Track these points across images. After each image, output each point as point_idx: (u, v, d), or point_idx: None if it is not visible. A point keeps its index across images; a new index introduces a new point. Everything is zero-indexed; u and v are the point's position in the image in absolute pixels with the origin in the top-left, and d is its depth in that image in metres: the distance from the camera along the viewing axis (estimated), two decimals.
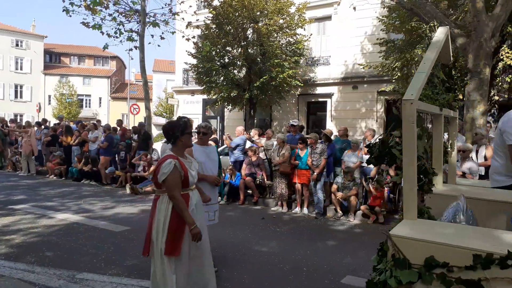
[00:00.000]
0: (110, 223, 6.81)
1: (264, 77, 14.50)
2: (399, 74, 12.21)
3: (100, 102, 45.89)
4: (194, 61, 16.34)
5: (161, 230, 3.16)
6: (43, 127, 14.84)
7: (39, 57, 44.21)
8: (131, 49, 14.16)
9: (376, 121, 16.30)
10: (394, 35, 13.64)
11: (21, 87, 43.09)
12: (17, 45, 43.03)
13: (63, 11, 11.99)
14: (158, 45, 56.20)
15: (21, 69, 43.25)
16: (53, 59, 46.91)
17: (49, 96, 42.87)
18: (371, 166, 8.64)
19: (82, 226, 6.60)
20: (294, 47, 15.64)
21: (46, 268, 4.58)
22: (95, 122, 13.96)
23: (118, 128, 12.90)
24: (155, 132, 29.79)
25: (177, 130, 3.30)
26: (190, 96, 22.34)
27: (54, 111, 39.84)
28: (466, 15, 9.17)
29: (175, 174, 3.16)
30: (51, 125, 16.96)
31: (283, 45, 15.61)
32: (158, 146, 15.17)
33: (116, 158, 12.08)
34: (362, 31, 16.59)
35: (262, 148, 9.95)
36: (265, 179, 9.34)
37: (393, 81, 12.90)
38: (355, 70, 16.55)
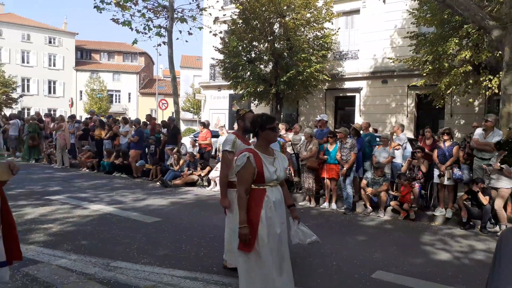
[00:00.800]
0: (142, 214, 6.97)
1: (291, 72, 14.43)
2: (430, 68, 11.90)
3: (129, 98, 46.90)
4: (221, 57, 16.45)
5: (236, 224, 3.09)
6: (74, 121, 15.30)
7: (71, 53, 45.57)
8: (159, 45, 14.35)
9: (407, 116, 15.96)
10: (425, 28, 13.30)
11: (54, 83, 44.56)
12: (50, 42, 44.48)
13: (94, 7, 12.27)
14: (186, 41, 56.68)
15: (54, 65, 44.71)
16: (84, 56, 48.25)
17: (81, 92, 44.16)
18: (399, 161, 8.50)
19: (114, 216, 6.79)
20: (321, 41, 15.48)
21: (82, 255, 4.75)
22: (125, 116, 14.28)
23: (148, 123, 13.15)
24: (182, 127, 30.22)
25: (258, 125, 3.19)
26: (217, 91, 22.50)
27: (85, 106, 41.02)
28: (502, 6, 8.83)
29: (247, 168, 3.02)
30: (83, 119, 17.47)
31: (311, 39, 15.48)
32: (185, 141, 15.41)
33: (146, 152, 12.35)
34: (391, 25, 16.25)
35: (290, 142, 9.92)
36: (293, 174, 9.32)
37: (424, 75, 12.58)
38: (385, 64, 16.23)
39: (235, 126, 4.68)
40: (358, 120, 16.65)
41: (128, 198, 8.48)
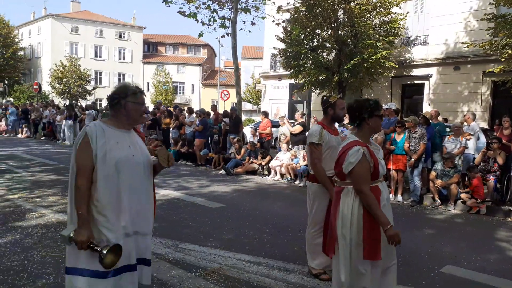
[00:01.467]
0: (207, 200, 7.23)
1: (356, 59, 14.00)
2: (510, 52, 10.93)
3: (192, 89, 48.46)
4: (283, 46, 16.36)
5: (349, 226, 2.70)
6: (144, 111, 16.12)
7: (139, 47, 47.96)
8: (223, 36, 14.60)
9: (481, 105, 14.87)
10: (505, 9, 12.20)
11: (123, 75, 47.23)
12: (120, 36, 47.13)
13: (162, 1, 12.78)
14: (249, 31, 57.06)
15: (123, 58, 47.37)
16: (150, 49, 50.54)
17: (147, 84, 46.38)
18: (472, 152, 7.98)
19: (181, 201, 7.11)
20: (388, 27, 14.84)
21: (154, 237, 5.01)
22: (190, 107, 14.79)
23: (212, 113, 13.52)
24: (243, 117, 30.64)
25: (365, 111, 2.79)
26: (277, 81, 22.50)
27: (152, 98, 43.06)
28: None
29: (364, 164, 2.66)
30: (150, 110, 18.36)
31: (377, 25, 14.89)
32: (246, 130, 15.64)
33: (210, 141, 12.73)
34: (466, 6, 15.13)
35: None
36: None
37: (502, 60, 11.60)
38: (457, 49, 15.20)
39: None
40: (427, 109, 15.80)
41: (194, 185, 8.82)
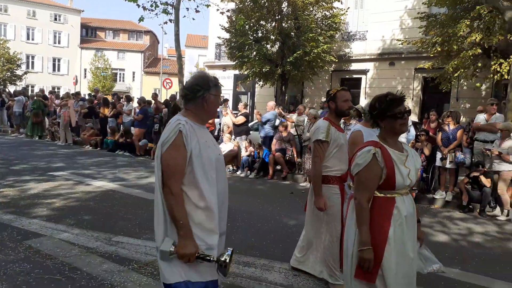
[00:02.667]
0: (144, 192, 7.01)
1: (298, 52, 14.24)
2: (438, 49, 11.68)
3: (133, 77, 46.74)
4: (227, 36, 16.24)
5: (353, 239, 2.32)
6: (79, 99, 15.27)
7: (76, 31, 45.25)
8: (165, 23, 14.15)
9: (412, 99, 15.81)
10: (436, 9, 13.01)
11: (58, 60, 44.41)
12: (55, 19, 44.14)
13: None
14: (193, 18, 56.07)
15: (59, 43, 44.48)
16: (89, 33, 47.91)
17: (85, 70, 44.03)
18: None
19: (117, 193, 6.83)
20: (330, 21, 15.24)
21: (85, 230, 4.79)
22: (129, 95, 14.23)
23: (153, 102, 13.11)
24: None
25: (374, 112, 2.38)
26: (222, 71, 22.32)
27: (89, 84, 40.91)
28: None
29: (372, 168, 2.24)
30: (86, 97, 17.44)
31: (319, 19, 15.23)
32: None
33: (150, 131, 12.33)
34: (402, 5, 15.92)
35: (293, 124, 9.87)
36: (295, 155, 9.31)
37: (432, 56, 12.39)
38: (393, 46, 15.99)
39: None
40: (364, 102, 16.50)
41: (131, 176, 8.52)
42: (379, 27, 16.44)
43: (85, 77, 43.94)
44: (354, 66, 17.31)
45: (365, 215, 2.24)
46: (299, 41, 14.69)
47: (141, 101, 12.68)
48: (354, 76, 17.65)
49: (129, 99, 13.27)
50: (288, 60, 14.58)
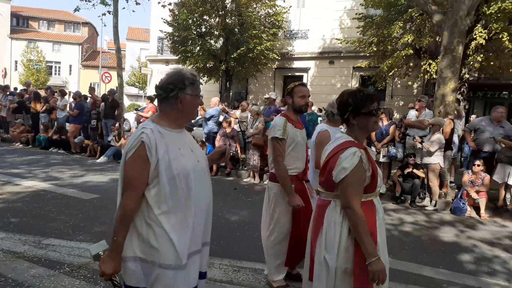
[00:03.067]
0: (79, 191, 6.67)
1: (242, 49, 14.29)
2: (374, 49, 12.26)
3: (70, 70, 44.31)
4: (170, 29, 15.90)
5: (335, 252, 2.11)
6: (8, 93, 14.19)
7: (6, 20, 41.90)
8: (104, 14, 13.62)
9: None
10: (373, 10, 13.63)
11: None
12: None
13: None
14: (133, 11, 54.27)
15: None
16: (20, 23, 44.66)
17: (16, 62, 41.05)
18: None
19: (49, 193, 6.44)
20: (273, 19, 15.43)
21: (11, 233, 4.46)
22: (63, 89, 13.46)
23: (90, 96, 12.49)
24: (126, 102, 29.14)
25: (346, 109, 2.21)
26: (164, 65, 21.81)
27: (20, 78, 38.25)
28: None
29: (359, 172, 2.08)
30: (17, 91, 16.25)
31: (262, 16, 15.35)
32: (129, 116, 14.85)
33: (86, 127, 11.76)
34: (341, 5, 16.49)
35: (237, 120, 9.89)
36: (239, 151, 9.33)
37: (368, 55, 12.98)
38: (333, 45, 16.52)
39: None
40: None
41: (65, 175, 8.07)
42: (320, 26, 16.91)
43: (16, 69, 40.92)
44: (296, 64, 17.69)
45: (364, 223, 2.03)
46: (242, 37, 14.73)
47: (77, 95, 12.04)
48: (297, 74, 18.03)
49: (63, 93, 12.53)
50: (232, 56, 14.57)
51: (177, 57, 16.32)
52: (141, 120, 11.57)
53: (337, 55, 16.54)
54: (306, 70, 17.42)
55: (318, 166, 2.93)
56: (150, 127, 1.87)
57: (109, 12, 13.07)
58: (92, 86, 13.02)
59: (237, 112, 10.27)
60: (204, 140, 9.66)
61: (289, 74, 18.37)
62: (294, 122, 3.35)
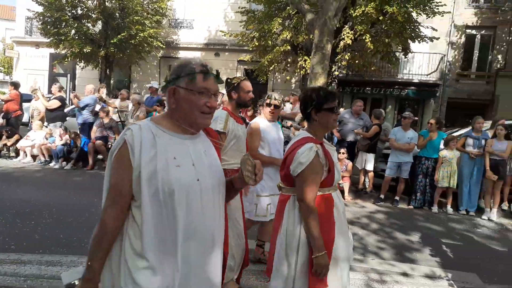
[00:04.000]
0: None
1: (123, 34, 13.62)
2: (256, 44, 12.74)
3: None
4: (40, 9, 14.31)
5: (295, 247, 2.14)
6: None
7: None
8: None
9: None
10: (255, 5, 14.10)
11: None
12: None
13: None
14: None
15: None
16: None
17: None
18: None
19: None
20: (156, 6, 14.95)
21: None
22: None
23: None
24: None
25: (310, 103, 2.22)
26: (34, 48, 19.61)
27: None
28: None
29: (315, 167, 2.11)
30: None
31: (145, 2, 14.78)
32: None
33: None
34: None
35: (116, 109, 9.41)
36: None
37: (251, 49, 13.44)
38: (218, 37, 16.69)
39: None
40: None
41: None
42: (205, 17, 16.92)
43: None
44: (182, 54, 17.45)
45: (316, 217, 2.08)
46: (124, 22, 14.04)
47: None
48: None
49: None
50: (112, 41, 13.77)
51: (48, 40, 14.80)
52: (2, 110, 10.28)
53: (222, 48, 16.78)
54: None
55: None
56: (140, 124, 1.52)
57: None
58: None
59: (117, 102, 9.76)
60: (78, 132, 8.99)
61: (175, 63, 17.98)
62: (235, 117, 3.33)
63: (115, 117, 9.24)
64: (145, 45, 14.64)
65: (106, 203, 1.49)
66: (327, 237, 2.10)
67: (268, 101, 3.68)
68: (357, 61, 12.32)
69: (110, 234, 1.47)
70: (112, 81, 16.09)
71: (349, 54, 11.76)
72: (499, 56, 15.75)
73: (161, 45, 15.30)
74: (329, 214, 2.15)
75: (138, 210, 1.46)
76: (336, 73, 12.06)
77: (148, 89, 9.71)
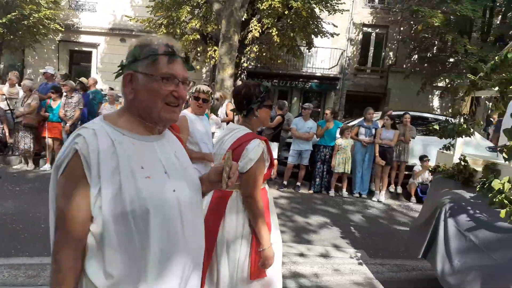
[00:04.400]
0: None
1: (13, 13, 12.29)
2: (164, 31, 12.40)
3: None
4: None
5: (239, 242, 2.12)
6: None
7: None
8: None
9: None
10: None
11: None
12: None
13: None
14: None
15: None
16: None
17: None
18: None
19: None
20: None
21: None
22: None
23: None
24: None
25: (254, 100, 2.18)
26: None
27: None
28: None
29: (262, 163, 2.12)
30: None
31: None
32: None
33: None
34: None
35: (4, 96, 8.49)
36: (7, 134, 8.07)
37: (159, 37, 13.05)
38: (124, 22, 15.88)
39: None
40: (95, 77, 15.89)
41: None
42: (109, 1, 15.97)
43: None
44: (84, 39, 16.34)
45: (263, 211, 2.10)
46: (14, 1, 12.65)
47: None
48: (85, 49, 16.67)
49: None
50: (1, 21, 12.36)
51: None
52: None
53: (129, 33, 16.00)
54: (95, 45, 16.27)
55: None
56: (94, 128, 1.15)
57: None
58: None
59: (5, 88, 8.80)
60: None
61: (76, 48, 16.82)
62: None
63: (3, 105, 8.34)
64: (41, 27, 13.40)
65: (59, 238, 1.12)
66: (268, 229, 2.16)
67: (196, 94, 3.43)
68: (264, 54, 12.66)
69: (70, 274, 1.11)
70: (2, 65, 14.48)
71: (257, 46, 12.03)
72: (391, 53, 17.36)
73: (60, 28, 14.12)
74: (267, 207, 2.21)
75: (96, 238, 1.11)
76: (245, 64, 12.28)
77: (43, 75, 8.91)
